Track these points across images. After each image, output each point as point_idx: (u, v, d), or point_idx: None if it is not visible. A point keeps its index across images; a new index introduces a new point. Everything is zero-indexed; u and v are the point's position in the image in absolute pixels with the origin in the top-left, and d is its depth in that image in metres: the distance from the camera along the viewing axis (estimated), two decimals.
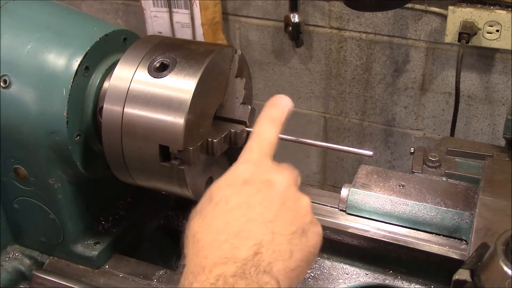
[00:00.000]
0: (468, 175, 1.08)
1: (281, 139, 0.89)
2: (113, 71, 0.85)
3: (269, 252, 0.58)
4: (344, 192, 1.02)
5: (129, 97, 0.82)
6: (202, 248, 0.59)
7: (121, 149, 0.83)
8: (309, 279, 1.02)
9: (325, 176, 2.33)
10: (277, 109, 0.74)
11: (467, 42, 1.68)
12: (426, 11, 1.80)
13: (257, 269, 0.56)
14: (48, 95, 0.85)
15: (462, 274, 0.65)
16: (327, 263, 1.04)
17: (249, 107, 0.91)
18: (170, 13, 2.05)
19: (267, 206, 0.62)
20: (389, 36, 1.91)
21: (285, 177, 0.66)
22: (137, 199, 1.09)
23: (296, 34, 1.95)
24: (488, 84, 1.84)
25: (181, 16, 2.04)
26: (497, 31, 1.68)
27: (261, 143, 0.71)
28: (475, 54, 1.80)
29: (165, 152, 0.81)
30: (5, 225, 1.02)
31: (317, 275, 1.02)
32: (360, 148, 0.82)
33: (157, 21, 2.09)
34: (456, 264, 0.76)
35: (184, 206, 1.17)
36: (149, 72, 0.82)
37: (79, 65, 0.86)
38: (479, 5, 1.69)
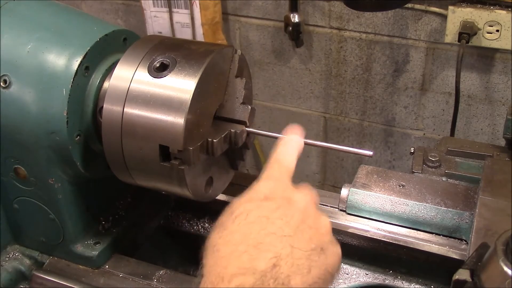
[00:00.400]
0: (468, 175, 1.08)
1: None
2: (113, 71, 0.85)
3: (288, 265, 0.58)
4: (344, 192, 1.02)
5: (129, 97, 0.82)
6: (222, 259, 0.59)
7: (121, 149, 0.83)
8: None
9: (325, 176, 2.33)
10: (294, 142, 0.77)
11: (467, 42, 1.68)
12: (426, 11, 1.80)
13: (275, 281, 0.57)
14: (48, 95, 0.85)
15: (462, 274, 0.65)
16: None
17: (249, 107, 0.91)
18: (170, 13, 2.05)
19: (287, 222, 0.62)
20: (389, 36, 1.91)
21: (305, 196, 0.67)
22: (137, 199, 1.09)
23: (296, 34, 1.95)
24: (488, 84, 1.84)
25: (181, 16, 2.04)
26: (497, 31, 1.68)
27: (281, 166, 0.73)
28: (475, 54, 1.80)
29: (165, 152, 0.81)
30: (5, 225, 1.02)
31: None
32: (360, 148, 0.82)
33: (157, 21, 2.09)
34: (456, 264, 0.76)
35: (184, 206, 1.17)
36: (149, 72, 0.82)
37: (79, 65, 0.86)
38: (479, 5, 1.69)
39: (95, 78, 0.89)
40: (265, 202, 0.65)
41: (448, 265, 0.92)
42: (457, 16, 1.70)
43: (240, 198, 0.66)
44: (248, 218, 0.62)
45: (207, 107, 0.85)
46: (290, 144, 0.76)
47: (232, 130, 0.88)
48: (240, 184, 1.08)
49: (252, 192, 0.67)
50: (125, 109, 0.82)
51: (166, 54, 0.84)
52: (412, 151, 1.18)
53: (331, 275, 0.64)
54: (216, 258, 0.60)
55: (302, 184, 0.71)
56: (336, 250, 0.66)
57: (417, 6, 1.80)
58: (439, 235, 0.97)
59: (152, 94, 0.81)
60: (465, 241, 0.95)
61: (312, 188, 0.71)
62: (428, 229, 0.97)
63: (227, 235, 0.62)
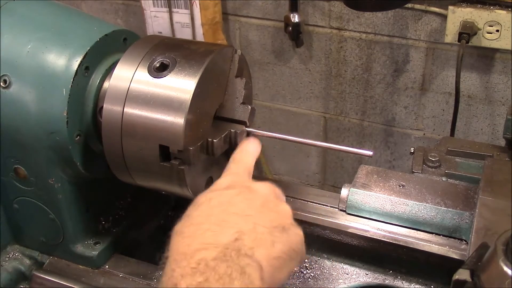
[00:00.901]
0: (468, 175, 1.08)
1: (281, 139, 0.90)
2: (113, 71, 0.85)
3: (251, 239, 0.60)
4: (344, 192, 1.02)
5: (129, 97, 0.82)
6: (185, 238, 0.61)
7: (121, 149, 0.83)
8: (309, 279, 1.02)
9: (325, 176, 2.33)
10: (252, 145, 0.83)
11: (467, 42, 1.68)
12: (426, 11, 1.80)
13: (238, 252, 0.58)
14: (48, 95, 0.85)
15: (462, 274, 0.65)
16: (327, 263, 1.04)
17: (249, 107, 0.91)
18: (170, 13, 2.05)
19: (249, 204, 0.66)
20: (389, 36, 1.91)
21: (266, 186, 0.71)
22: (137, 199, 1.09)
23: (296, 34, 1.95)
24: (488, 84, 1.84)
25: (181, 16, 2.04)
26: (497, 31, 1.68)
27: (240, 165, 0.78)
28: (475, 54, 1.80)
29: (165, 152, 0.81)
30: (5, 225, 1.02)
31: (317, 275, 1.02)
32: (360, 148, 0.82)
33: (157, 21, 2.09)
34: (456, 264, 0.76)
35: (184, 206, 1.17)
36: (149, 72, 0.82)
37: (79, 65, 0.86)
38: (479, 5, 1.69)
39: (95, 78, 0.89)
40: (226, 190, 0.69)
41: (448, 265, 0.92)
42: (457, 16, 1.70)
43: (204, 191, 0.70)
44: (211, 203, 0.66)
45: (207, 107, 0.85)
46: (248, 146, 0.82)
47: (232, 130, 0.88)
48: None
49: (214, 185, 0.72)
50: (125, 109, 0.82)
51: (166, 54, 0.84)
52: (412, 151, 1.18)
53: (296, 253, 0.65)
54: (179, 239, 0.62)
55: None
56: (298, 231, 0.68)
57: (417, 6, 1.80)
58: (439, 235, 0.97)
59: (152, 94, 0.81)
60: (465, 241, 0.95)
61: (274, 184, 0.74)
62: (428, 229, 0.97)
63: (190, 220, 0.64)
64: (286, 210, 0.69)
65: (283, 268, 0.63)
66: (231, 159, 0.79)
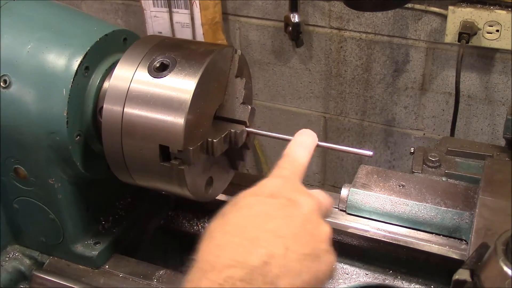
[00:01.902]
0: (468, 175, 1.08)
1: (281, 139, 0.89)
2: (113, 71, 0.85)
3: (278, 265, 0.58)
4: (344, 192, 1.02)
5: (129, 97, 0.82)
6: (215, 247, 0.60)
7: (121, 149, 0.83)
8: None
9: (325, 176, 2.33)
10: (308, 138, 0.76)
11: (467, 42, 1.68)
12: (426, 11, 1.80)
13: (264, 278, 0.57)
14: (48, 95, 0.85)
15: (462, 274, 0.65)
16: None
17: (249, 107, 0.91)
18: (170, 13, 2.05)
19: (287, 223, 0.62)
20: (389, 36, 1.91)
21: (311, 201, 0.66)
22: (137, 199, 1.09)
23: (296, 34, 1.95)
24: (488, 84, 1.84)
25: (181, 16, 2.04)
26: (497, 31, 1.68)
27: (292, 163, 0.72)
28: (475, 54, 1.80)
29: (165, 152, 0.81)
30: (5, 225, 1.02)
31: None
32: (360, 148, 0.82)
33: (157, 21, 2.09)
34: (456, 264, 0.76)
35: (184, 206, 1.17)
36: (149, 72, 0.82)
37: (79, 65, 0.86)
38: (479, 5, 1.69)
39: (95, 78, 0.89)
40: (269, 198, 0.65)
41: (448, 265, 0.92)
42: (457, 16, 1.70)
43: (247, 191, 0.66)
44: (249, 212, 0.63)
45: (207, 107, 0.85)
46: (303, 141, 0.76)
47: (232, 130, 0.88)
48: (240, 184, 1.08)
49: (259, 187, 0.67)
50: (125, 109, 0.82)
51: (166, 54, 0.84)
52: (412, 151, 1.18)
53: (321, 283, 0.63)
54: (210, 245, 0.60)
55: (316, 190, 0.70)
56: (331, 259, 0.65)
57: (417, 6, 1.80)
58: (439, 235, 0.97)
59: (152, 94, 0.81)
60: (465, 241, 0.95)
61: (324, 195, 0.70)
62: (428, 229, 0.97)
63: (225, 224, 0.62)
64: (324, 233, 0.65)
65: None
66: (284, 154, 0.74)
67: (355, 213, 1.01)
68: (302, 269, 0.60)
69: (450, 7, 1.71)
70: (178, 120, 0.78)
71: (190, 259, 0.61)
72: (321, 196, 0.70)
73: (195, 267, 0.59)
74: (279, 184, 0.68)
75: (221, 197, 1.00)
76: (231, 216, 0.63)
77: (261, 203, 0.64)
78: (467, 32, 1.67)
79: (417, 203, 0.98)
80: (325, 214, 0.69)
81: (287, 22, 1.94)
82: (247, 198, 0.65)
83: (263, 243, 0.59)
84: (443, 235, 0.96)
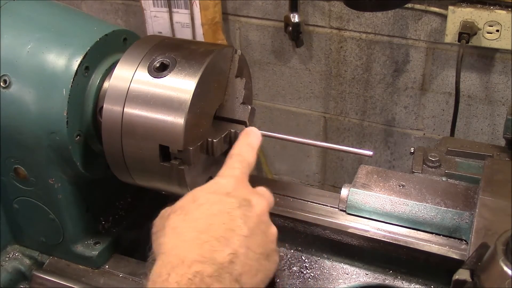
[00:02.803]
0: (468, 175, 1.08)
1: (281, 139, 0.90)
2: (113, 71, 0.85)
3: (242, 264, 0.62)
4: (344, 192, 1.02)
5: (129, 97, 0.82)
6: (183, 242, 0.63)
7: (121, 149, 0.83)
8: (309, 279, 1.02)
9: (325, 176, 2.33)
10: (253, 137, 0.82)
11: (467, 42, 1.68)
12: (426, 11, 1.80)
13: (230, 275, 0.60)
14: (48, 95, 0.85)
15: (462, 274, 0.65)
16: (327, 263, 1.04)
17: (249, 107, 0.91)
18: (170, 13, 2.05)
19: (245, 222, 0.66)
20: (389, 36, 1.91)
21: (263, 201, 0.72)
22: (137, 199, 1.09)
23: (296, 34, 1.95)
24: (488, 84, 1.84)
25: (181, 16, 2.04)
26: (497, 31, 1.68)
27: (242, 163, 0.77)
28: (475, 54, 1.80)
29: (165, 152, 0.81)
30: (5, 225, 1.02)
31: (317, 275, 1.02)
32: (360, 148, 0.82)
33: (157, 21, 2.09)
34: (456, 264, 0.76)
35: None
36: (149, 72, 0.82)
37: (79, 65, 0.86)
38: (479, 5, 1.69)
39: (95, 78, 0.89)
40: (227, 197, 0.69)
41: (448, 265, 0.92)
42: (457, 16, 1.70)
43: (202, 187, 0.71)
44: (211, 209, 0.66)
45: (207, 107, 0.85)
46: (250, 141, 0.81)
47: (232, 130, 0.88)
48: None
49: (215, 185, 0.72)
50: (125, 109, 0.82)
51: (166, 54, 0.84)
52: (412, 151, 1.18)
53: (268, 281, 0.69)
54: (177, 240, 0.63)
55: (259, 188, 0.75)
56: (277, 258, 0.71)
57: (417, 6, 1.80)
58: (439, 235, 0.96)
59: (152, 94, 0.81)
60: (465, 241, 0.95)
61: (268, 192, 0.76)
62: (428, 229, 0.97)
63: (190, 220, 0.65)
64: (273, 233, 0.72)
65: None
66: (231, 153, 0.79)
67: (355, 213, 1.01)
68: (259, 268, 0.65)
69: (450, 7, 1.71)
70: (178, 120, 0.78)
71: (150, 253, 0.64)
72: (267, 194, 0.75)
73: (162, 260, 0.61)
74: (232, 183, 0.72)
75: None
76: (194, 212, 0.66)
77: (220, 201, 0.68)
78: (467, 32, 1.68)
79: (417, 203, 0.98)
80: (271, 208, 0.75)
81: (287, 22, 1.95)
82: (206, 195, 0.69)
83: (228, 242, 0.63)
84: (443, 235, 0.96)
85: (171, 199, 1.15)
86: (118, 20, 2.34)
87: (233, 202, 0.68)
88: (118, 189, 1.04)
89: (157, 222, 0.70)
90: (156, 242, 0.66)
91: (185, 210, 0.67)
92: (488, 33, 1.69)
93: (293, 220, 1.02)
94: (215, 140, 0.84)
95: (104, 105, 0.83)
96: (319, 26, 1.99)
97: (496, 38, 1.69)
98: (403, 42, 1.89)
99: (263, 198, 0.73)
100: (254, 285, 0.64)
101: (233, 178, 0.74)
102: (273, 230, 0.72)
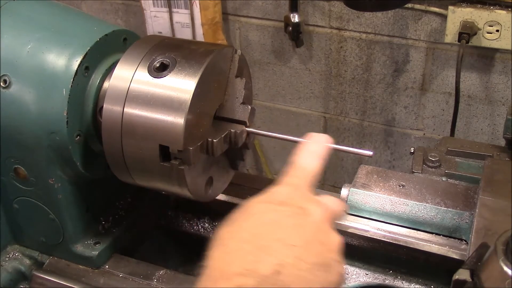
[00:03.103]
0: (468, 175, 1.08)
1: (281, 139, 0.89)
2: (113, 71, 0.85)
3: (289, 275, 0.58)
4: (344, 192, 1.02)
5: (129, 97, 0.82)
6: (226, 255, 0.59)
7: (121, 149, 0.83)
8: None
9: (325, 176, 2.33)
10: (318, 144, 0.74)
11: (467, 42, 1.68)
12: (426, 11, 1.80)
13: None
14: (48, 95, 0.85)
15: (462, 274, 0.65)
16: None
17: (249, 107, 0.91)
18: (170, 13, 2.05)
19: (298, 232, 0.62)
20: (389, 36, 1.91)
21: (322, 210, 0.66)
22: (137, 199, 1.09)
23: (296, 34, 1.95)
24: (488, 84, 1.84)
25: (181, 16, 2.04)
26: (497, 31, 1.68)
27: (301, 171, 0.70)
28: (475, 54, 1.80)
29: (165, 152, 0.81)
30: (5, 225, 1.02)
31: None
32: (360, 148, 0.82)
33: (157, 21, 2.09)
34: (456, 264, 0.76)
35: (184, 206, 1.17)
36: (149, 72, 0.82)
37: (79, 65, 0.86)
38: (479, 5, 1.69)
39: (95, 78, 0.89)
40: (280, 206, 0.64)
41: (448, 265, 0.92)
42: (457, 16, 1.70)
43: (257, 198, 0.65)
44: (260, 219, 0.62)
45: (207, 107, 0.85)
46: (314, 148, 0.74)
47: (232, 130, 0.88)
48: (240, 184, 1.09)
49: (269, 195, 0.66)
50: (125, 109, 0.82)
51: (166, 54, 0.84)
52: (412, 151, 1.18)
53: None
54: (221, 252, 0.60)
55: (326, 196, 0.69)
56: (340, 270, 0.64)
57: (417, 6, 1.80)
58: (439, 235, 0.97)
59: (152, 94, 0.81)
60: (465, 241, 0.95)
61: (335, 201, 0.69)
62: (428, 229, 0.97)
63: (236, 231, 0.61)
64: (335, 242, 0.65)
65: None
66: (294, 162, 0.71)
67: (355, 213, 1.01)
68: (313, 279, 0.60)
69: (450, 7, 1.71)
70: (178, 120, 0.78)
71: (200, 265, 0.60)
72: (331, 202, 0.69)
73: (206, 274, 0.59)
74: (289, 192, 0.66)
75: (221, 197, 1.00)
76: (242, 223, 0.62)
77: (272, 210, 0.63)
78: (467, 32, 1.67)
79: (417, 203, 0.98)
80: (337, 219, 0.68)
81: (287, 22, 1.94)
82: (258, 205, 0.64)
83: (274, 252, 0.59)
84: (443, 235, 0.96)
85: (171, 199, 1.16)
86: (118, 20, 2.34)
87: (285, 211, 0.63)
88: (118, 189, 1.04)
89: (216, 234, 0.65)
90: (208, 254, 0.62)
91: (235, 221, 0.63)
92: (488, 33, 1.69)
93: None
94: (215, 140, 0.84)
95: (104, 105, 0.83)
96: (319, 26, 1.99)
97: (496, 38, 1.69)
98: (403, 42, 1.89)
99: (322, 206, 0.66)
100: None
101: (291, 186, 0.68)
102: (335, 239, 0.65)
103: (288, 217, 0.62)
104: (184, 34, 2.06)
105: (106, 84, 0.89)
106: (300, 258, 0.59)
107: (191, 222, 1.16)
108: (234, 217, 0.64)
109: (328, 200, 0.69)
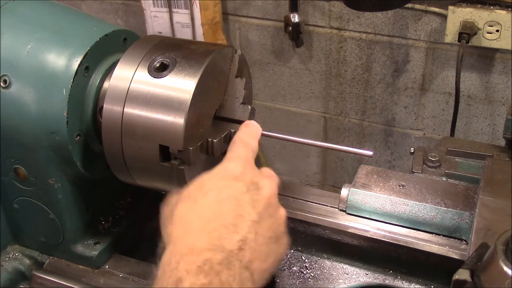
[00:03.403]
0: (468, 175, 1.08)
1: (281, 139, 0.90)
2: (113, 71, 0.85)
3: (251, 250, 0.62)
4: (344, 192, 1.02)
5: (129, 97, 0.82)
6: (192, 231, 0.63)
7: (121, 149, 0.83)
8: (309, 279, 1.02)
9: (325, 176, 2.33)
10: (253, 127, 0.82)
11: (467, 42, 1.68)
12: (426, 11, 1.80)
13: (240, 263, 0.60)
14: (48, 95, 0.85)
15: (462, 274, 0.65)
16: (327, 263, 1.04)
17: (249, 107, 0.91)
18: (170, 13, 2.05)
19: (254, 207, 0.66)
20: (389, 36, 1.91)
21: (271, 184, 0.71)
22: (137, 199, 1.09)
23: (296, 34, 1.95)
24: (488, 84, 1.84)
25: (181, 16, 2.04)
26: (497, 31, 1.68)
27: (246, 148, 0.77)
28: (475, 54, 1.80)
29: (165, 152, 0.81)
30: (5, 225, 1.02)
31: (317, 275, 1.02)
32: (360, 148, 0.82)
33: (157, 21, 2.09)
34: (456, 264, 0.76)
35: None
36: (149, 72, 0.82)
37: (79, 65, 0.86)
38: (479, 5, 1.69)
39: (95, 78, 0.89)
40: (235, 182, 0.68)
41: (448, 265, 0.92)
42: (457, 16, 1.70)
43: (210, 173, 0.70)
44: (219, 196, 0.66)
45: (207, 107, 0.85)
46: (251, 131, 0.81)
47: (232, 130, 0.88)
48: None
49: (223, 170, 0.71)
50: (125, 109, 0.82)
51: (166, 54, 0.84)
52: (412, 151, 1.18)
53: (280, 262, 0.69)
54: (186, 230, 0.63)
55: (264, 169, 0.75)
56: (286, 241, 0.70)
57: (417, 6, 1.80)
58: (439, 235, 0.97)
59: (152, 94, 0.81)
60: (465, 241, 0.95)
61: (275, 175, 0.75)
62: (428, 229, 0.97)
63: (198, 208, 0.65)
64: (282, 216, 0.71)
65: (267, 278, 0.66)
66: (234, 140, 0.78)
67: (355, 213, 1.01)
68: (268, 252, 0.65)
69: (450, 7, 1.71)
70: (178, 120, 0.78)
71: (160, 241, 0.64)
72: (273, 176, 0.74)
73: (171, 249, 0.62)
74: (240, 167, 0.71)
75: None
76: (201, 200, 0.66)
77: (228, 186, 0.68)
78: (467, 32, 1.67)
79: (417, 203, 0.98)
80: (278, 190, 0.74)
81: (287, 22, 1.95)
82: (213, 181, 0.68)
83: (237, 228, 0.63)
84: (443, 235, 0.96)
85: None
86: (118, 20, 2.34)
87: (241, 186, 0.68)
88: (118, 189, 1.04)
89: (165, 209, 0.70)
90: (165, 231, 0.67)
91: (193, 197, 0.67)
92: (488, 33, 1.69)
93: (293, 220, 1.02)
94: (215, 140, 0.84)
95: (104, 105, 0.83)
96: (319, 26, 1.99)
97: (496, 38, 1.69)
98: (403, 42, 1.89)
99: (270, 179, 0.72)
100: (264, 270, 0.64)
101: (240, 160, 0.73)
102: (282, 212, 0.71)
103: (244, 193, 0.67)
104: (184, 34, 2.06)
105: (106, 84, 0.89)
106: (258, 233, 0.64)
107: None
108: (189, 193, 0.68)
109: (271, 174, 0.75)
